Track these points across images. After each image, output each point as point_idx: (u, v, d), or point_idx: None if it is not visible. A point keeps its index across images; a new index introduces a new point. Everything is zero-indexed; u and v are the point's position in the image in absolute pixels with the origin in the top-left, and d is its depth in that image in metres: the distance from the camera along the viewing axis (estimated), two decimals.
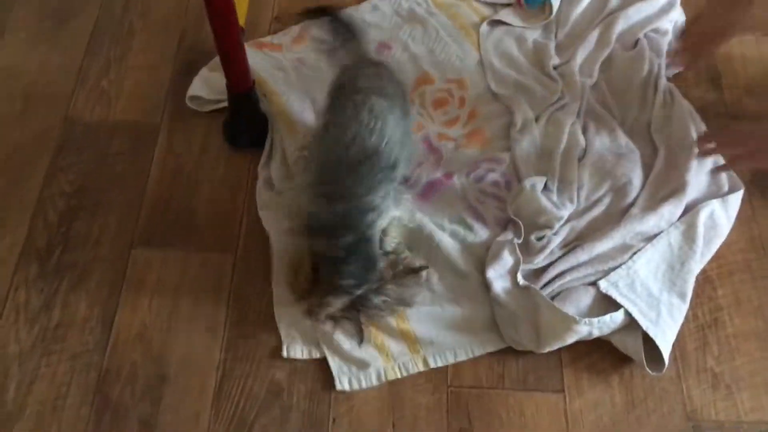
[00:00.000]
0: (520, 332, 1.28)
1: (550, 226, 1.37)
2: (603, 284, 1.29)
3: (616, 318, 1.24)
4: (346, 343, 1.28)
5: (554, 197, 1.42)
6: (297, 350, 1.29)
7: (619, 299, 1.26)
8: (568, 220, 1.40)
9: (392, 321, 1.30)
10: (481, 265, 1.35)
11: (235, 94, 1.48)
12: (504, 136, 1.53)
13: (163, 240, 1.42)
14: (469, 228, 1.40)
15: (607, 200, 1.42)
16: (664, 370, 1.23)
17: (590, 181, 1.45)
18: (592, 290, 1.29)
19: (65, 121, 1.59)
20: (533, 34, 1.69)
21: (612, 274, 1.30)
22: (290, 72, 1.63)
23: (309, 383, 1.26)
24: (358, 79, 1.33)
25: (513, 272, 1.33)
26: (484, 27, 1.70)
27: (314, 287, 1.23)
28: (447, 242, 1.37)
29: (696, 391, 1.25)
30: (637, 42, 1.63)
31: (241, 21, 1.37)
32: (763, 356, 1.28)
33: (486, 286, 1.32)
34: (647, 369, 1.23)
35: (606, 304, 1.27)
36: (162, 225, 1.44)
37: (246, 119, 1.54)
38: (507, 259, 1.33)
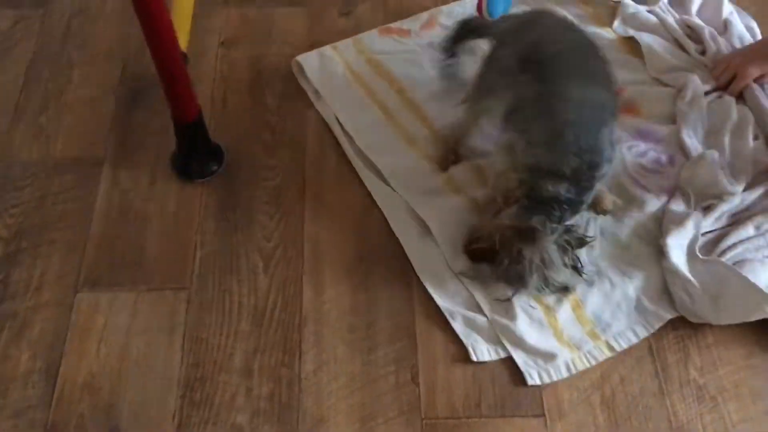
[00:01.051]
0: (696, 303, 1.26)
1: (720, 198, 1.36)
2: None
3: None
4: (530, 335, 1.26)
5: (727, 173, 1.40)
6: (483, 352, 1.26)
7: None
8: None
9: (568, 307, 1.29)
10: (646, 234, 1.35)
11: (182, 124, 1.40)
12: (659, 113, 1.53)
13: (110, 280, 1.34)
14: (632, 198, 1.39)
15: None
16: None
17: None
18: None
19: (1, 161, 1.50)
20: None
21: None
22: (423, 59, 1.63)
23: (274, 425, 1.18)
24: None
25: (693, 243, 1.31)
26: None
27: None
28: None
29: (681, 405, 1.19)
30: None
31: (183, 45, 1.30)
32: (746, 364, 1.23)
33: (652, 255, 1.33)
34: None
35: None
36: (109, 265, 1.36)
37: (195, 149, 1.47)
38: (689, 230, 1.32)
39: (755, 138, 1.48)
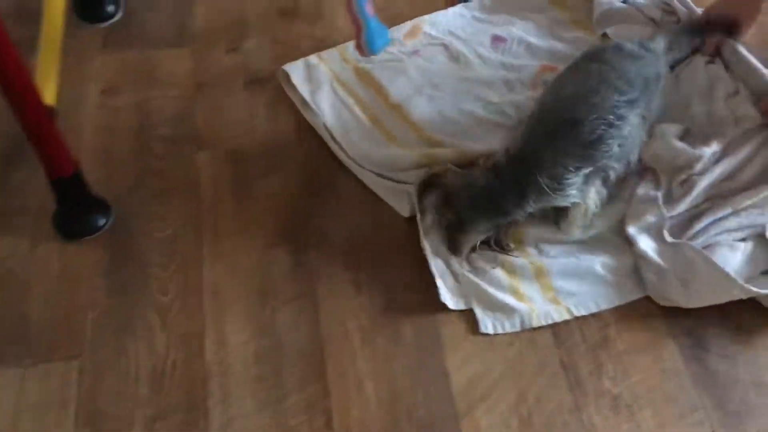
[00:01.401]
0: (666, 286, 1.27)
1: (690, 167, 1.37)
2: None
3: None
4: (491, 288, 1.29)
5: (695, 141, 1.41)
6: (448, 300, 1.30)
7: None
8: (718, 162, 1.40)
9: (531, 275, 1.32)
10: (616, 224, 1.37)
11: (57, 180, 1.32)
12: None
13: None
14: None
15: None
16: None
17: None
18: (740, 247, 1.29)
19: None
20: None
21: None
22: (408, 67, 1.66)
23: None
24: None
25: (658, 228, 1.32)
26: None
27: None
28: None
29: (598, 418, 1.18)
30: None
31: (51, 99, 1.23)
32: (657, 369, 1.22)
33: (621, 241, 1.34)
34: None
35: (755, 262, 1.29)
36: None
37: (76, 206, 1.39)
38: (649, 218, 1.34)
39: (735, 93, 1.49)
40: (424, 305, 1.30)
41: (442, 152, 1.46)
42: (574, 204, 1.31)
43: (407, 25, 1.75)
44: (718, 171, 1.39)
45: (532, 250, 1.36)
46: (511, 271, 1.33)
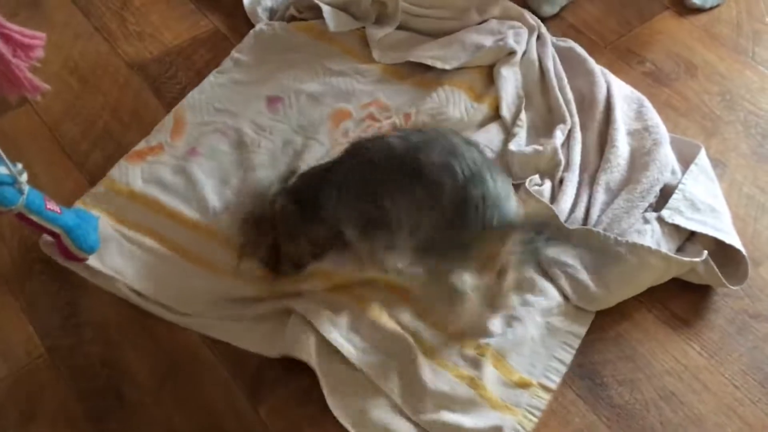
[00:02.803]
0: (582, 284, 1.22)
1: (557, 163, 1.35)
2: (666, 213, 1.26)
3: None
4: (466, 419, 1.11)
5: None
6: None
7: (689, 225, 1.25)
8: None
9: (489, 366, 1.17)
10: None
11: None
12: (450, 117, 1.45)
13: None
14: None
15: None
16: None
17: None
18: (647, 230, 1.25)
19: None
20: None
21: (671, 201, 1.28)
22: (192, 172, 1.38)
23: None
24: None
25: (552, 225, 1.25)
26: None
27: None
28: None
29: None
30: None
31: None
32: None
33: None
34: (729, 286, 1.22)
35: (668, 237, 1.25)
36: None
37: None
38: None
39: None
40: None
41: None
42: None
43: (168, 121, 1.48)
44: (576, 161, 1.36)
45: None
46: (471, 378, 1.16)
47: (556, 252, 1.26)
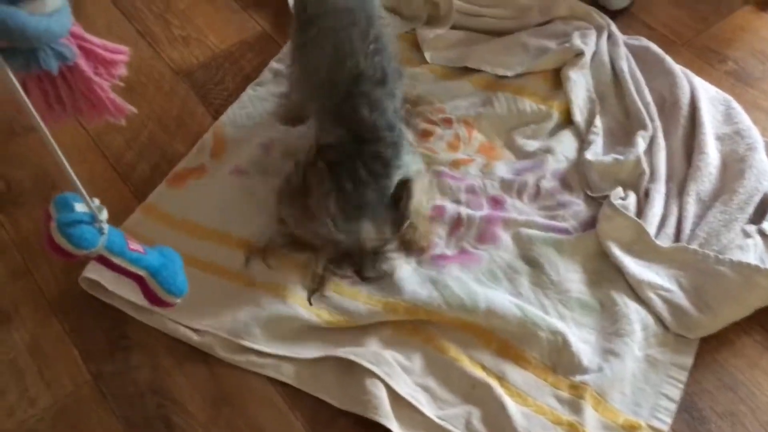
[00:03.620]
0: (680, 309, 1.11)
1: (640, 173, 1.24)
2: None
3: None
4: None
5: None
6: None
7: None
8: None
9: (589, 408, 1.05)
10: (599, 276, 1.17)
11: None
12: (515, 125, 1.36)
13: None
14: (560, 247, 1.19)
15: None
16: None
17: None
18: (750, 245, 1.14)
19: None
20: None
21: None
22: (238, 192, 1.27)
23: None
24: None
25: (642, 243, 1.16)
26: None
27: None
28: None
29: None
30: None
31: None
32: None
33: (620, 290, 1.14)
34: None
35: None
36: None
37: None
38: (628, 231, 1.18)
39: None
40: None
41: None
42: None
43: (207, 140, 1.36)
44: (662, 173, 1.25)
45: None
46: (570, 424, 1.05)
47: (648, 273, 1.15)
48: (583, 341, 1.11)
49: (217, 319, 1.15)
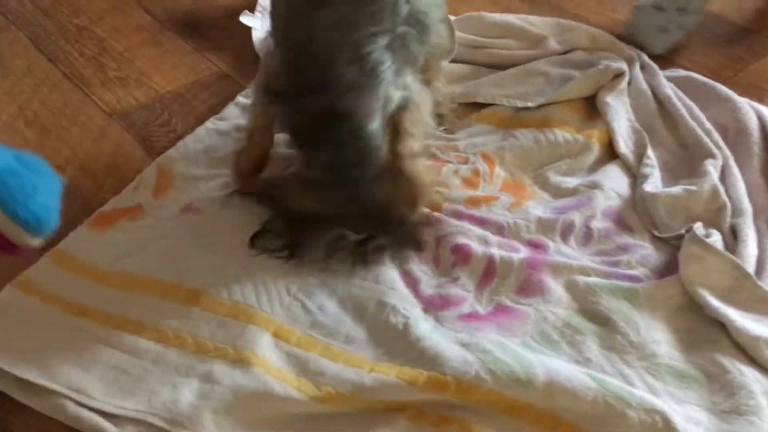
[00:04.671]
0: None
1: (720, 206, 0.96)
2: None
3: None
4: None
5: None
6: None
7: None
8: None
9: None
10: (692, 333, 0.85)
11: None
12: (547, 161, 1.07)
13: None
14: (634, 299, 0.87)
15: None
16: None
17: None
18: None
19: None
20: None
21: None
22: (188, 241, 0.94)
23: None
24: None
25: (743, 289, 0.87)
26: None
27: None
28: None
29: None
30: None
31: None
32: None
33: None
34: None
35: None
36: None
37: None
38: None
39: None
40: None
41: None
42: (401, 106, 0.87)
43: (149, 175, 1.05)
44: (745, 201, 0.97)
45: None
46: None
47: (762, 328, 0.83)
48: (690, 421, 0.76)
49: (149, 402, 0.76)
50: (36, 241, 0.64)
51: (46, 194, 0.60)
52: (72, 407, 0.77)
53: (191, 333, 0.84)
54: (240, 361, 0.81)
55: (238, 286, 0.88)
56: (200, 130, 1.14)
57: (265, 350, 0.81)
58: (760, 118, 1.09)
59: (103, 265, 0.92)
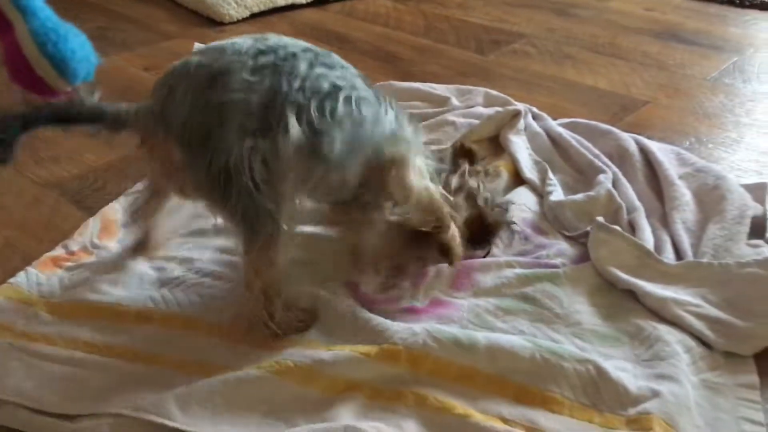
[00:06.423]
0: (717, 323, 0.89)
1: (616, 207, 1.09)
2: None
3: None
4: None
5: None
6: None
7: None
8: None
9: None
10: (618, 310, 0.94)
11: None
12: None
13: None
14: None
15: None
16: None
17: None
18: (764, 249, 0.99)
19: None
20: None
21: None
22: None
23: None
24: None
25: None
26: None
27: None
28: None
29: None
30: None
31: None
32: None
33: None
34: None
35: None
36: None
37: None
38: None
39: None
40: None
41: None
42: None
43: (93, 224, 1.11)
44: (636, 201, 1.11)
45: None
46: None
47: (667, 292, 0.94)
48: (618, 369, 0.85)
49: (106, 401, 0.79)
50: (65, 85, 0.66)
51: (77, 46, 0.65)
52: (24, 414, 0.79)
53: (141, 348, 0.88)
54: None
55: None
56: (140, 186, 1.19)
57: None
58: (637, 142, 1.26)
59: (53, 296, 0.96)
